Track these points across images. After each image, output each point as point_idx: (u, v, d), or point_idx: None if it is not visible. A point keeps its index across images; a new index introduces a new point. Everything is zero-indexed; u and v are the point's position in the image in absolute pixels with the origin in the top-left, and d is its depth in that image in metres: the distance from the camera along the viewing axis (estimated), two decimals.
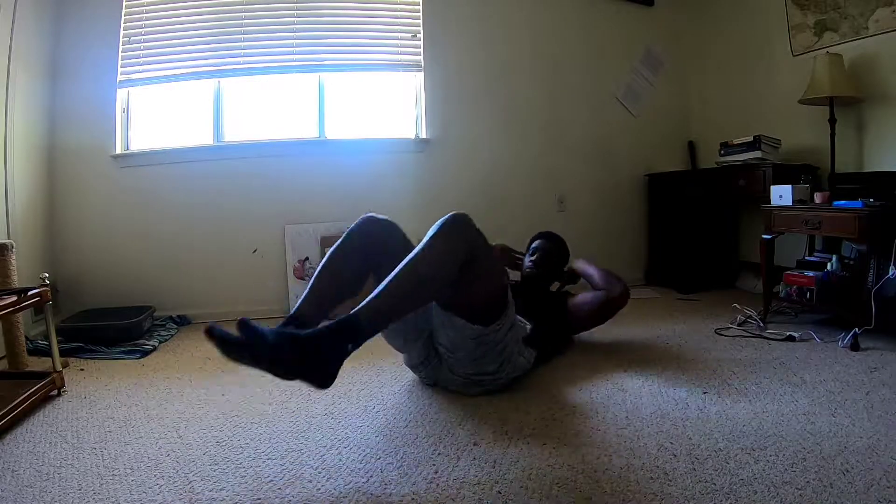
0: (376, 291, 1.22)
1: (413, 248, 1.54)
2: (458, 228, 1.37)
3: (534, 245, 2.28)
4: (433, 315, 1.59)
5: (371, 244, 1.51)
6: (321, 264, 1.45)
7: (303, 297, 1.37)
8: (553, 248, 2.24)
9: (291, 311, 1.36)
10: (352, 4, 3.06)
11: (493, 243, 2.27)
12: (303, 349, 1.05)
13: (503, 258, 2.28)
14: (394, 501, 1.10)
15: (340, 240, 1.50)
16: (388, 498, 1.11)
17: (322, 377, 1.09)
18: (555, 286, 2.30)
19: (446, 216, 1.38)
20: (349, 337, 1.13)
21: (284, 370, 1.05)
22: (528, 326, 1.81)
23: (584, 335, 2.25)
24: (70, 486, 1.17)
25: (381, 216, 1.60)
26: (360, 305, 1.19)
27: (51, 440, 1.41)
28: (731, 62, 3.32)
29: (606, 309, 2.03)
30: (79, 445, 1.38)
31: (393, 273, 1.25)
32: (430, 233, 1.34)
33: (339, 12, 3.05)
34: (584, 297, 2.07)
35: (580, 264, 2.23)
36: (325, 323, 1.14)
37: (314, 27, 3.03)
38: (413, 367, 1.77)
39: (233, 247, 2.93)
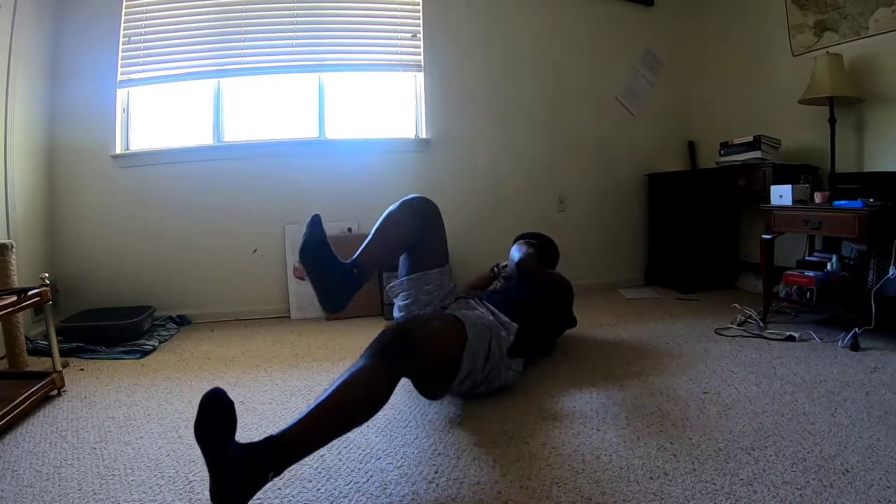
0: (308, 410, 1.09)
1: (445, 238, 1.75)
2: (394, 350, 1.23)
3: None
4: None
5: (411, 225, 1.64)
6: (375, 227, 1.62)
7: (361, 249, 1.55)
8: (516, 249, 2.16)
9: (354, 257, 1.52)
10: (352, 4, 3.06)
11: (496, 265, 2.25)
12: (221, 467, 0.94)
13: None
14: (394, 501, 1.10)
15: (388, 211, 1.64)
16: (388, 498, 1.11)
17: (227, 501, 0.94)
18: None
19: (377, 337, 1.26)
20: (271, 463, 0.98)
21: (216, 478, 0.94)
22: (512, 335, 1.68)
23: (586, 336, 2.25)
24: (70, 486, 1.17)
25: (428, 201, 1.72)
26: (290, 425, 1.05)
27: (51, 440, 1.42)
28: (731, 62, 3.31)
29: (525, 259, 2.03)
30: (79, 445, 1.38)
31: (326, 393, 1.12)
32: (361, 359, 1.21)
33: (339, 12, 3.05)
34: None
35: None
36: (249, 441, 1.00)
37: (314, 27, 3.03)
38: None
39: (233, 247, 2.94)
